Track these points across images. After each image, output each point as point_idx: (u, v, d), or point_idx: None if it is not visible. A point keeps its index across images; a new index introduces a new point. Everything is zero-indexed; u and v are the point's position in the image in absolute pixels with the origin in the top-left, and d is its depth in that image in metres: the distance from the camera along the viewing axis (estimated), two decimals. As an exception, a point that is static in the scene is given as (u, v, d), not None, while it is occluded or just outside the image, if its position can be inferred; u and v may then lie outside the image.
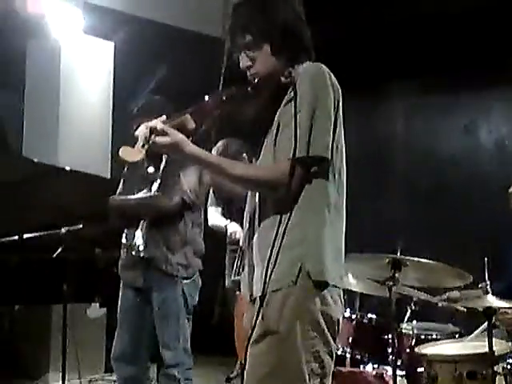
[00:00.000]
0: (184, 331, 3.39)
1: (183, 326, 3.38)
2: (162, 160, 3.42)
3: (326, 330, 1.90)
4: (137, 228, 3.42)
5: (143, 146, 1.88)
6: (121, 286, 3.49)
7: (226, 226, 4.22)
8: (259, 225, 1.99)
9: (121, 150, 1.91)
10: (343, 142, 2.02)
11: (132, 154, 1.91)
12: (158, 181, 3.42)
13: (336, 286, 1.95)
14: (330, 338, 1.91)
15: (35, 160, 4.40)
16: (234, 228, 4.17)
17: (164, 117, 1.95)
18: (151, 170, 3.48)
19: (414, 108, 5.92)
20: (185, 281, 3.38)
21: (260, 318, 1.88)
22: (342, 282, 2.00)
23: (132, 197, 3.47)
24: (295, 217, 1.91)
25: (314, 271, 1.89)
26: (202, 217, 3.58)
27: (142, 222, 3.42)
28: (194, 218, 3.46)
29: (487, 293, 2.96)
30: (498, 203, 3.96)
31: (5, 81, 5.89)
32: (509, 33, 5.07)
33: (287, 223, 1.89)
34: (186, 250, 3.40)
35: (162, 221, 3.38)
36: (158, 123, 1.90)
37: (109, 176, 5.27)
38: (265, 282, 1.87)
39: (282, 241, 1.88)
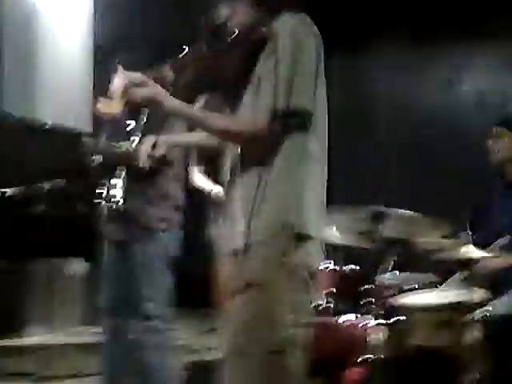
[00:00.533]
0: (165, 283, 3.40)
1: (164, 278, 3.40)
2: (141, 114, 3.39)
3: (307, 280, 1.92)
4: (115, 181, 3.38)
5: (122, 97, 1.87)
6: (103, 240, 3.49)
7: (210, 191, 4.27)
8: (240, 177, 1.99)
9: (99, 103, 1.90)
10: (325, 93, 2.00)
11: (111, 107, 1.89)
12: (138, 135, 3.39)
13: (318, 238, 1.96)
14: (310, 288, 1.94)
15: (15, 115, 4.36)
16: (217, 190, 4.22)
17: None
18: (131, 123, 3.44)
19: (396, 61, 5.89)
20: (165, 234, 3.39)
21: (241, 269, 1.90)
22: (324, 233, 2.02)
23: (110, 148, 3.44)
24: (276, 169, 1.91)
25: (297, 223, 1.90)
26: (183, 171, 3.56)
27: (119, 174, 3.39)
28: (174, 172, 3.45)
29: (467, 243, 3.00)
30: (479, 155, 3.98)
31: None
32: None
33: (266, 175, 1.90)
34: (164, 203, 3.40)
35: (140, 174, 3.36)
36: (136, 75, 1.88)
37: (89, 129, 5.22)
38: (246, 234, 1.89)
39: (262, 193, 1.89)
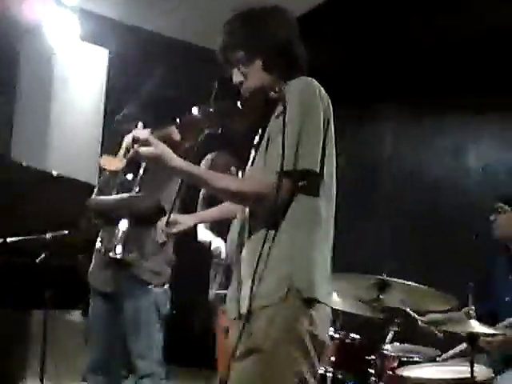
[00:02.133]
0: (156, 340, 3.33)
1: (155, 335, 3.32)
2: (140, 167, 3.41)
3: (312, 350, 1.87)
4: (115, 230, 3.37)
5: (125, 155, 1.88)
6: (91, 293, 3.44)
7: (210, 242, 4.25)
8: (248, 239, 1.97)
9: (102, 158, 1.91)
10: (334, 158, 2.00)
11: (113, 163, 1.91)
12: (137, 188, 3.40)
13: (325, 304, 1.92)
14: (314, 358, 1.88)
15: (23, 164, 4.38)
16: (217, 243, 4.20)
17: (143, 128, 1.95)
18: (130, 177, 3.45)
19: (402, 130, 5.95)
20: (156, 289, 3.35)
21: (245, 334, 1.86)
22: (331, 299, 1.98)
23: (110, 197, 3.44)
24: (284, 232, 1.89)
25: (304, 288, 1.86)
26: None
27: (122, 223, 3.38)
28: None
29: (471, 318, 2.97)
30: (483, 228, 3.98)
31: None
32: (499, 59, 5.13)
33: (274, 238, 1.87)
34: (158, 257, 3.38)
35: (137, 225, 3.35)
36: (142, 133, 1.89)
37: (97, 183, 5.24)
38: (251, 298, 1.85)
39: (269, 256, 1.86)
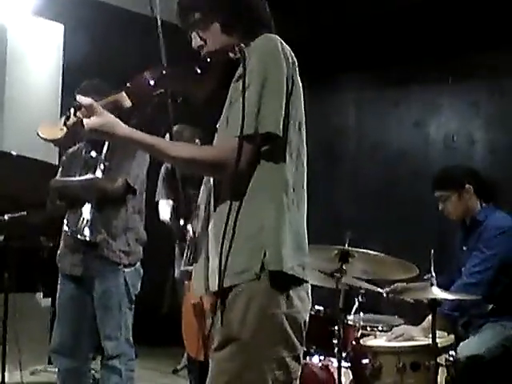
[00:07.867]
0: (126, 321, 3.30)
1: (125, 315, 3.30)
2: (104, 143, 3.34)
3: (292, 334, 1.76)
4: (81, 211, 3.31)
5: (65, 123, 1.75)
6: (59, 276, 3.38)
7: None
8: (214, 212, 1.85)
9: (40, 127, 1.77)
10: (303, 119, 1.88)
11: (51, 132, 1.77)
12: (102, 166, 3.33)
13: (302, 282, 1.80)
14: (295, 342, 1.78)
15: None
16: (182, 223, 4.18)
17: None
18: (94, 154, 3.38)
19: (365, 101, 5.93)
20: (127, 269, 3.31)
21: (220, 322, 1.76)
22: (305, 271, 1.80)
23: (75, 178, 3.38)
24: (251, 201, 1.76)
25: (271, 261, 1.73)
26: (144, 203, 3.49)
27: (87, 205, 3.32)
28: (136, 204, 3.38)
29: (432, 285, 3.00)
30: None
31: None
32: (460, 30, 5.13)
33: (239, 209, 1.74)
34: (127, 236, 3.32)
35: (103, 205, 3.29)
36: (85, 100, 1.73)
37: (56, 162, 5.14)
38: (221, 276, 1.73)
39: (235, 229, 1.72)
